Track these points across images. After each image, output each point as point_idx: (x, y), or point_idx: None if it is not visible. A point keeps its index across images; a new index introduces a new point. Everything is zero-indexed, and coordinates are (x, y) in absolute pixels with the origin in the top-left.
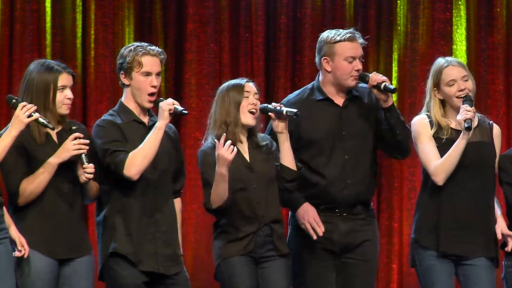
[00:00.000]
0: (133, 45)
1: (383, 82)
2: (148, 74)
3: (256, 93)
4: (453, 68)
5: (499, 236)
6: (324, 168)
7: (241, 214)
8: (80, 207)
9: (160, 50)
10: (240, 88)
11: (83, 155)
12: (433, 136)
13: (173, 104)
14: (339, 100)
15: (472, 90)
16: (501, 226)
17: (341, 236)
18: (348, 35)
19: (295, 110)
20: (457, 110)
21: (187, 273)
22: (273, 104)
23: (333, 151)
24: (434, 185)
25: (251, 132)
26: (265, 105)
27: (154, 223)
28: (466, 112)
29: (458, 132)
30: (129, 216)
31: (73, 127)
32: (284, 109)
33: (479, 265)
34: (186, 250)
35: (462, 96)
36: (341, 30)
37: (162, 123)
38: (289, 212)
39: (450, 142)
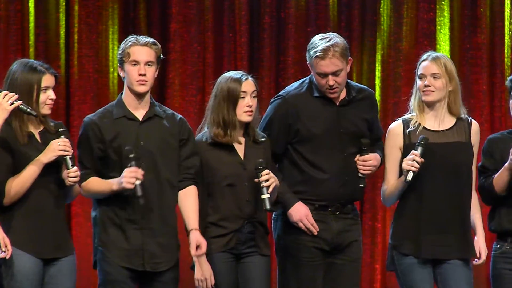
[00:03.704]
0: (127, 37)
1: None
2: (136, 63)
3: (254, 90)
4: (427, 63)
5: (477, 254)
6: (324, 165)
7: (226, 211)
8: (64, 208)
9: (152, 40)
10: (237, 86)
11: (68, 158)
12: (406, 140)
13: (136, 179)
14: (336, 99)
15: (440, 89)
16: (479, 245)
17: (333, 235)
18: (319, 53)
19: (268, 206)
20: (427, 106)
21: (178, 272)
22: (264, 174)
23: (332, 147)
24: (411, 188)
25: (248, 127)
26: (259, 167)
27: (142, 219)
28: (412, 162)
29: (431, 133)
30: (116, 212)
31: (60, 129)
32: (264, 195)
33: (455, 264)
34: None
35: (426, 91)
36: (320, 42)
37: (116, 188)
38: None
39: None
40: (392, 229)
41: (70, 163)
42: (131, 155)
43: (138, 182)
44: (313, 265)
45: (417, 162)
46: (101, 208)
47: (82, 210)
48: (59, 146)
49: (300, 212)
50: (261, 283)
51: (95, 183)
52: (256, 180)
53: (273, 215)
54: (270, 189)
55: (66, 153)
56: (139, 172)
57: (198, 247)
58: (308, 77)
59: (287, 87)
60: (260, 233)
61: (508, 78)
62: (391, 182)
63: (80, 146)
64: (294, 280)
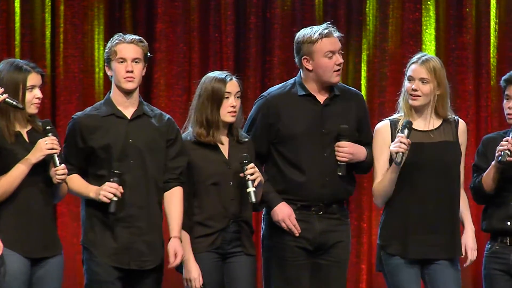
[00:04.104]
0: (114, 36)
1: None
2: (123, 60)
3: (238, 91)
4: (416, 66)
5: (463, 253)
6: (304, 164)
7: (212, 210)
8: (53, 207)
9: (138, 37)
10: (222, 86)
11: (56, 156)
12: (393, 140)
13: (113, 196)
14: (321, 98)
15: (427, 95)
16: (466, 242)
17: (316, 235)
18: (325, 31)
19: (254, 199)
20: (414, 109)
21: (162, 272)
22: (249, 168)
23: (312, 148)
24: (398, 188)
25: (232, 127)
26: (244, 161)
27: (130, 217)
28: (399, 144)
29: (418, 133)
30: (103, 210)
31: (47, 127)
32: (249, 189)
33: (444, 263)
34: None
35: (412, 95)
36: (315, 27)
37: (93, 195)
38: (263, 210)
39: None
40: (380, 229)
41: (57, 161)
42: (116, 171)
43: (115, 198)
44: (297, 264)
45: (404, 144)
46: (89, 206)
47: (68, 210)
48: (47, 145)
49: (283, 212)
50: (246, 283)
51: (76, 183)
52: (241, 174)
53: (263, 210)
54: (256, 183)
55: (53, 151)
56: (119, 190)
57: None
58: (293, 78)
59: (269, 89)
60: (246, 232)
61: (502, 78)
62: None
63: (66, 143)
64: (279, 280)
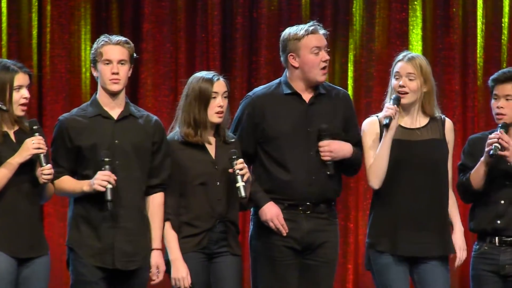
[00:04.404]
0: (100, 37)
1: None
2: (108, 62)
3: (225, 91)
4: (403, 63)
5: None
6: (290, 163)
7: (199, 210)
8: (39, 207)
9: (124, 39)
10: (209, 86)
11: (42, 156)
12: (381, 135)
13: (108, 183)
14: (306, 96)
15: (414, 91)
16: (455, 241)
17: (304, 234)
18: (310, 28)
19: (244, 194)
20: (401, 107)
21: (147, 273)
22: (238, 163)
23: (298, 146)
24: (387, 186)
25: (218, 127)
26: (233, 157)
27: (115, 218)
28: (386, 109)
29: (405, 130)
30: (89, 210)
31: (34, 127)
32: (239, 183)
33: (433, 263)
34: None
35: (400, 92)
36: (301, 25)
37: (87, 188)
38: (251, 210)
39: (398, 142)
40: (369, 227)
41: (44, 160)
42: (106, 159)
43: (109, 186)
44: (284, 264)
45: (391, 109)
46: (75, 207)
47: (54, 210)
48: (33, 145)
49: (271, 212)
50: (232, 283)
51: (67, 182)
52: (230, 170)
53: (251, 211)
54: (245, 178)
55: (40, 151)
56: (112, 177)
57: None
58: (279, 78)
59: (254, 89)
60: (232, 232)
61: (491, 78)
62: None
63: (54, 145)
64: (266, 280)
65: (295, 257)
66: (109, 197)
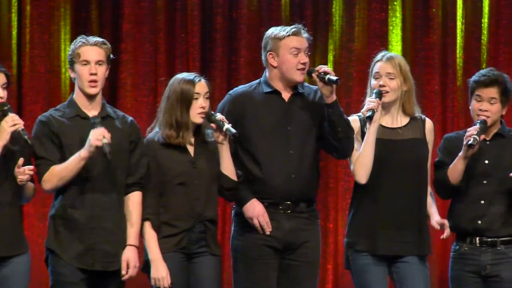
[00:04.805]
0: (77, 38)
1: (326, 73)
2: (86, 62)
3: (207, 92)
4: (382, 63)
5: (437, 227)
6: (269, 162)
7: (178, 210)
8: (20, 206)
9: (101, 40)
10: (191, 88)
11: (21, 130)
12: (363, 135)
13: (103, 137)
14: (286, 95)
15: (395, 90)
16: (435, 218)
17: (285, 233)
18: (293, 30)
19: (234, 131)
20: (383, 107)
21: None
22: (218, 115)
23: (278, 145)
24: (367, 185)
25: (199, 127)
26: (211, 113)
27: (95, 218)
28: (368, 102)
29: (387, 130)
30: (69, 211)
31: (4, 108)
32: (226, 126)
33: (412, 262)
34: None
35: (384, 92)
36: (283, 27)
37: (85, 154)
38: (232, 211)
39: (379, 141)
40: (348, 227)
41: (26, 137)
42: (96, 120)
43: (105, 140)
44: (265, 263)
45: (373, 102)
46: (56, 207)
47: (34, 210)
48: (8, 123)
49: (256, 209)
50: (211, 283)
51: (61, 165)
52: (212, 125)
53: (232, 212)
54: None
55: (17, 126)
56: (106, 132)
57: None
58: (259, 79)
59: (235, 88)
60: (211, 232)
61: (472, 79)
62: None
63: (38, 142)
64: (247, 280)
65: (276, 257)
66: (107, 149)
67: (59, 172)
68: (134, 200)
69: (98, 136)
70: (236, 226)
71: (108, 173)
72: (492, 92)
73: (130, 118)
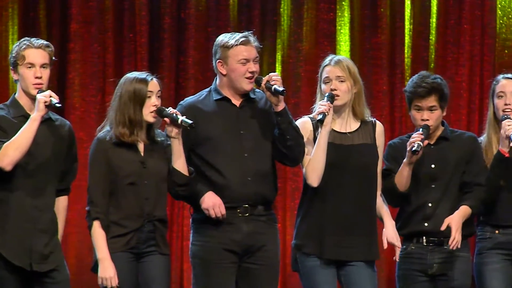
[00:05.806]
0: (20, 40)
1: (273, 83)
2: (31, 65)
3: (159, 90)
4: (330, 67)
5: (385, 245)
6: (224, 166)
7: (128, 209)
8: None
9: (45, 42)
10: (144, 86)
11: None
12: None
13: (50, 97)
14: (236, 101)
15: (346, 92)
16: (387, 234)
17: (244, 236)
18: (241, 39)
19: (190, 121)
20: (334, 110)
21: (67, 272)
22: (170, 109)
23: (232, 149)
24: (315, 189)
25: (150, 127)
26: (162, 108)
27: (31, 219)
28: (320, 106)
29: (337, 134)
30: (6, 211)
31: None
32: (180, 118)
33: (360, 265)
34: (69, 250)
35: (336, 96)
36: (236, 33)
37: (37, 114)
38: (191, 216)
39: (330, 145)
40: (296, 229)
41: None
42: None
43: (54, 100)
44: (224, 267)
45: (325, 106)
46: (1, 207)
47: None
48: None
49: (212, 200)
50: (161, 282)
51: (12, 138)
52: (166, 119)
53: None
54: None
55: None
56: (52, 92)
57: None
58: (209, 87)
59: (185, 98)
60: (160, 232)
61: (406, 90)
62: None
63: None
64: (206, 285)
65: (235, 261)
66: (54, 101)
67: (12, 143)
68: (61, 205)
69: (45, 97)
70: (194, 231)
71: (47, 175)
72: (431, 101)
73: (67, 122)
